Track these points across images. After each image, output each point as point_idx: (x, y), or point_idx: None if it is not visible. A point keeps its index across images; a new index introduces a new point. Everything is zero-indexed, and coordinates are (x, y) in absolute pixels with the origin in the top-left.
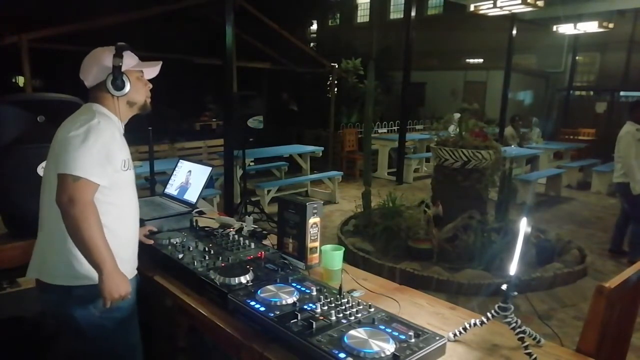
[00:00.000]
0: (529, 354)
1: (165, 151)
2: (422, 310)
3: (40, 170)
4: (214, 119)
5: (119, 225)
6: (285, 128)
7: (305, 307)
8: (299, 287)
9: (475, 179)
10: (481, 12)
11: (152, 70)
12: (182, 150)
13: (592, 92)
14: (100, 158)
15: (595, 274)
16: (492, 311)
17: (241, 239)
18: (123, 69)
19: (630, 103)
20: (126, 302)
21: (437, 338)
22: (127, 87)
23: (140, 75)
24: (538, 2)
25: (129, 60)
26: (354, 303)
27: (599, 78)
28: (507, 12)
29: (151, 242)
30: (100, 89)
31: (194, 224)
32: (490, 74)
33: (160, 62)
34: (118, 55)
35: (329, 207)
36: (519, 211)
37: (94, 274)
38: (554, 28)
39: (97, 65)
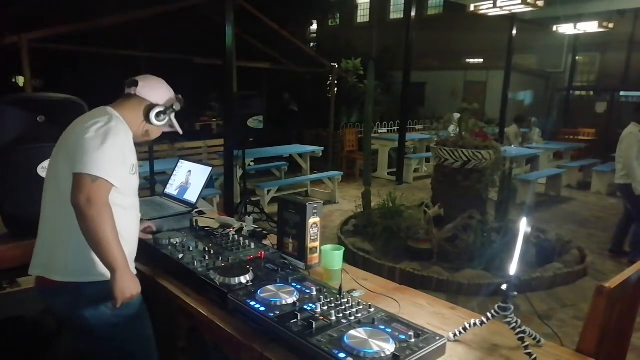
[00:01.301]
0: (529, 354)
1: (165, 151)
2: (422, 310)
3: (40, 170)
4: (214, 119)
5: (122, 226)
6: (285, 128)
7: (305, 307)
8: (299, 287)
9: (475, 179)
10: (481, 12)
11: (174, 127)
12: (182, 150)
13: (592, 92)
14: (117, 159)
15: (595, 274)
16: (492, 311)
17: (241, 239)
18: (170, 113)
19: (635, 104)
20: (135, 299)
21: (437, 338)
22: (160, 124)
23: (167, 123)
24: (538, 2)
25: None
26: (354, 303)
27: (599, 78)
28: (507, 12)
29: (149, 236)
30: (138, 104)
31: (194, 224)
32: (490, 74)
33: (181, 132)
34: (178, 101)
35: (329, 207)
36: (519, 211)
37: (105, 270)
38: (554, 28)
39: (167, 92)
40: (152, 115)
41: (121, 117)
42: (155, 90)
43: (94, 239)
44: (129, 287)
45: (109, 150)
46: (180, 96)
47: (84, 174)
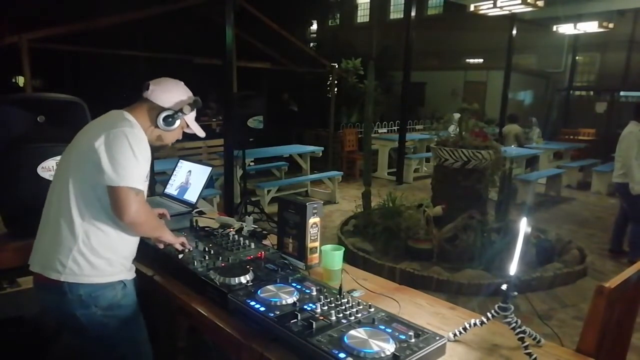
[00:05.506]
0: (529, 354)
1: (165, 151)
2: (422, 310)
3: (40, 170)
4: (214, 119)
5: (125, 228)
6: (285, 128)
7: (305, 307)
8: (299, 287)
9: (475, 179)
10: (481, 12)
11: (194, 131)
12: (182, 150)
13: (592, 92)
14: (147, 167)
15: (595, 274)
16: (492, 311)
17: (241, 239)
18: (178, 117)
19: (635, 104)
20: (127, 301)
21: (437, 338)
22: (169, 129)
23: (185, 127)
24: (538, 2)
25: (191, 115)
26: (354, 303)
27: (599, 78)
28: (507, 12)
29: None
30: (149, 108)
31: (194, 224)
32: (490, 74)
33: (204, 134)
34: (191, 106)
35: (329, 207)
36: (519, 211)
37: (98, 274)
38: (554, 28)
39: (178, 95)
40: (160, 120)
41: (136, 122)
42: (166, 94)
43: (147, 233)
44: (174, 238)
45: (140, 160)
46: (197, 98)
47: (128, 188)
